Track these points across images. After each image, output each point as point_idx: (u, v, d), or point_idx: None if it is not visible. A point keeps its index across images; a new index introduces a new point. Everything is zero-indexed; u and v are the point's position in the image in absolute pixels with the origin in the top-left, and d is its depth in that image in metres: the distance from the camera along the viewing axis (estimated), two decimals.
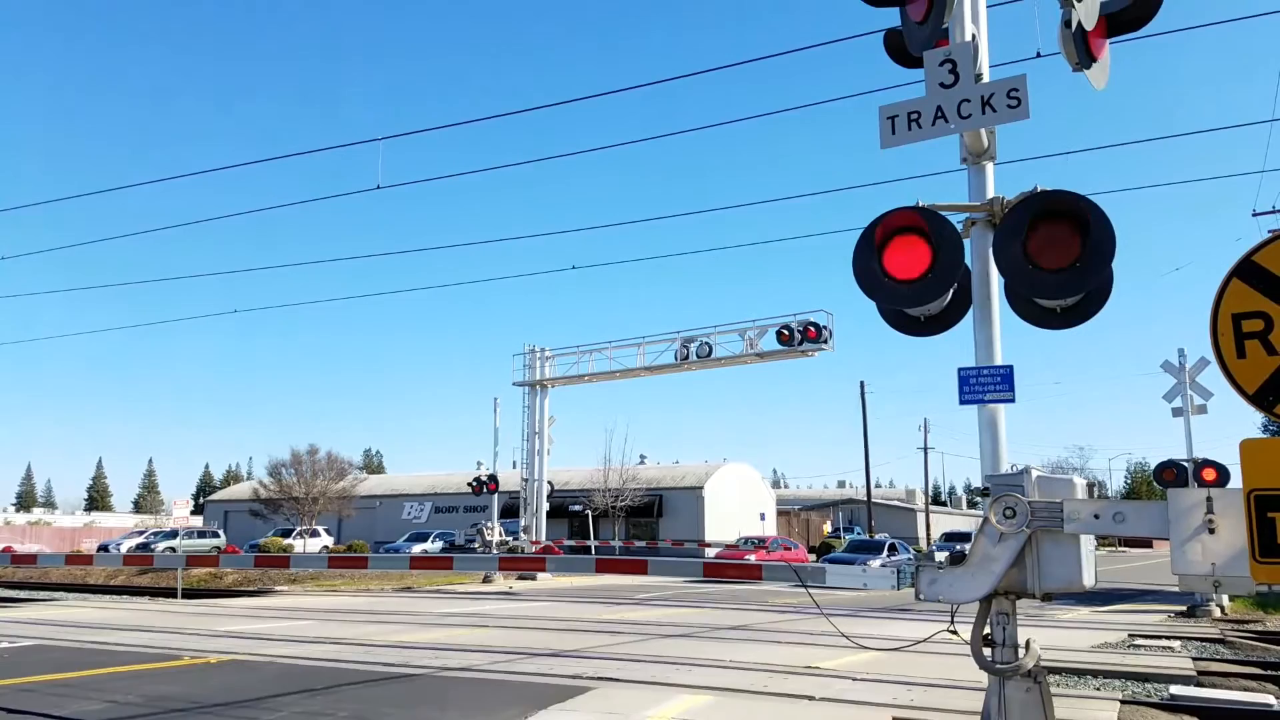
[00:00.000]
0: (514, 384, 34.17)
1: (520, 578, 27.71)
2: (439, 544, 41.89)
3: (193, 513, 67.77)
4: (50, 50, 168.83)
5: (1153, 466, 21.09)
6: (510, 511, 38.56)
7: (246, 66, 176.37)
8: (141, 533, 47.59)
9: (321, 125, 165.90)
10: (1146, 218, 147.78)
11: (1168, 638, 13.57)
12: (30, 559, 28.50)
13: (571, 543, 42.65)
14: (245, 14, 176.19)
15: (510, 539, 33.87)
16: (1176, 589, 21.81)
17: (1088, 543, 4.58)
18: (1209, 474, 17.62)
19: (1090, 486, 5.14)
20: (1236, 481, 4.07)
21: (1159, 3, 5.55)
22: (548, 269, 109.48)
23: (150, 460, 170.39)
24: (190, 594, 23.19)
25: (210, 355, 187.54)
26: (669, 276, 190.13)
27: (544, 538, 33.40)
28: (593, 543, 39.46)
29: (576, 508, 42.69)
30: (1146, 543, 67.16)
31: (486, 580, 26.99)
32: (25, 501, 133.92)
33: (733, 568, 17.11)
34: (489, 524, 33.30)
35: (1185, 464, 18.42)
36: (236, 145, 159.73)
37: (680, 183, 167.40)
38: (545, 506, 33.64)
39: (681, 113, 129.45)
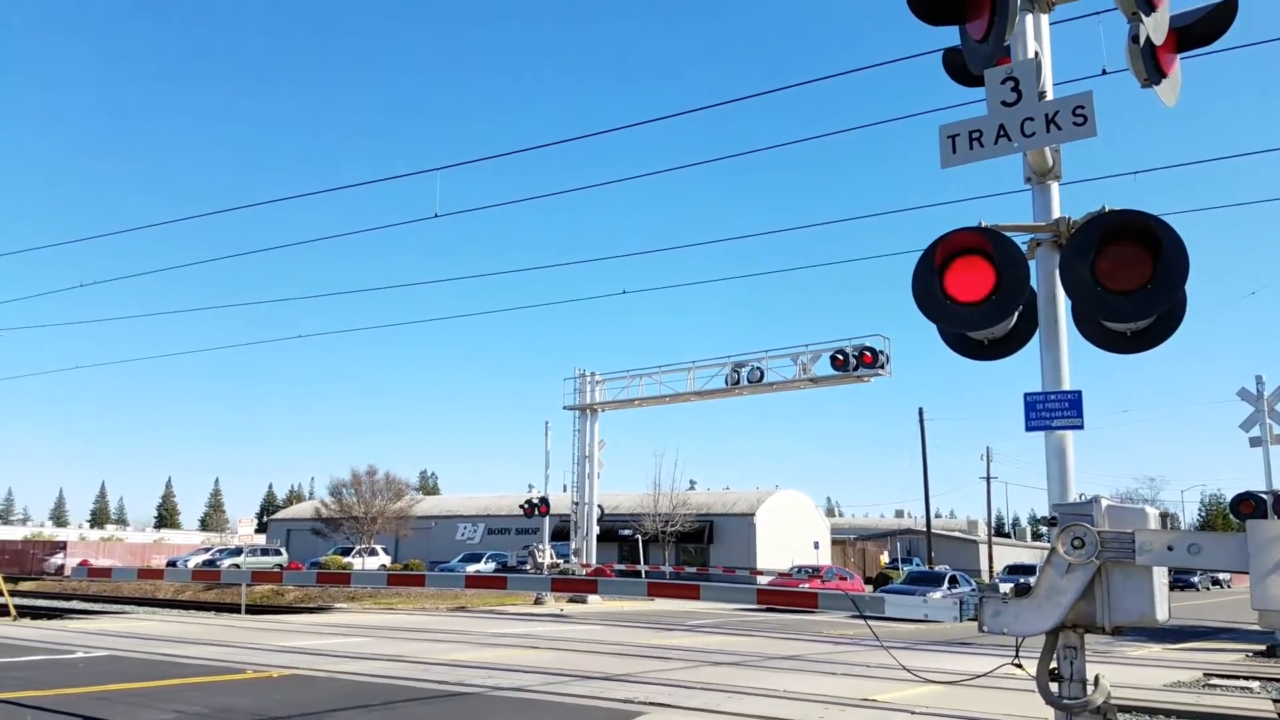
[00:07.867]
0: (565, 408, 34.39)
1: (571, 600, 27.70)
2: (492, 565, 42.18)
3: (256, 531, 69.53)
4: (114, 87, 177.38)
5: (1229, 498, 20.20)
6: (560, 534, 38.66)
7: (307, 101, 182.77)
8: (208, 550, 49.05)
9: (382, 155, 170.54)
10: (1221, 238, 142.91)
11: (1246, 678, 12.90)
12: (105, 572, 29.74)
13: (621, 567, 42.47)
14: (310, 54, 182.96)
15: (561, 561, 33.94)
16: (1255, 626, 20.74)
17: (1160, 576, 4.40)
18: None
19: (1163, 517, 4.95)
20: None
21: (1232, 17, 5.40)
22: (599, 294, 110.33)
23: (217, 480, 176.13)
24: (253, 610, 23.75)
25: (274, 378, 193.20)
26: (720, 301, 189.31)
27: (594, 561, 33.36)
28: (643, 567, 39.27)
29: (626, 532, 42.56)
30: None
31: (538, 601, 27.04)
32: (99, 518, 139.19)
33: (787, 595, 16.87)
34: (540, 546, 33.46)
35: (1264, 496, 17.60)
36: (313, 173, 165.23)
37: (733, 206, 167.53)
38: (595, 530, 33.64)
39: (736, 135, 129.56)
